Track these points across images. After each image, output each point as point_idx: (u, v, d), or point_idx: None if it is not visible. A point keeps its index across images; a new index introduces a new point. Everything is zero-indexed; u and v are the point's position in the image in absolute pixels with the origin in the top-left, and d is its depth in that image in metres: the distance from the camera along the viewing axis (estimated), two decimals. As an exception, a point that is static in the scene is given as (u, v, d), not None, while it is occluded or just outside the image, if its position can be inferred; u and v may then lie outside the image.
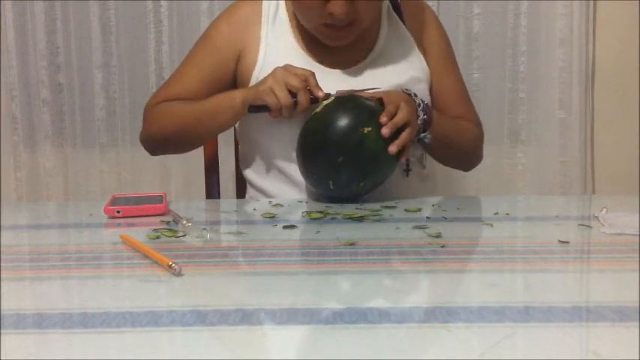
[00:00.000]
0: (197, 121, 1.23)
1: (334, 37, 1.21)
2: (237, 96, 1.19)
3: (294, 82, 1.11)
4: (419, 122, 1.16)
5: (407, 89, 1.19)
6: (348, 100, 1.12)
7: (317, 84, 1.13)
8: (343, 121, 1.08)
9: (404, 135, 1.09)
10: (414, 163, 1.25)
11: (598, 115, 2.00)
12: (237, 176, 1.44)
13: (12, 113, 2.00)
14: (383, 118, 1.08)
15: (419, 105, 1.17)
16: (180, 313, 0.60)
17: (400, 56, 1.28)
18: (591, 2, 1.94)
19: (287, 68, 1.14)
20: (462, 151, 1.35)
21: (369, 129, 1.07)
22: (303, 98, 1.11)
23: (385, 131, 1.07)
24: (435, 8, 1.90)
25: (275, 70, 1.14)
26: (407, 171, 1.22)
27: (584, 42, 1.93)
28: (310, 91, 1.13)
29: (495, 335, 0.54)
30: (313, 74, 1.14)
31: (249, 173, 1.33)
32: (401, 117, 1.09)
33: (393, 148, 1.08)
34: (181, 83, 1.30)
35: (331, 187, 1.09)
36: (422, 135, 1.17)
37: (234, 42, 1.27)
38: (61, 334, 0.56)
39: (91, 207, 1.12)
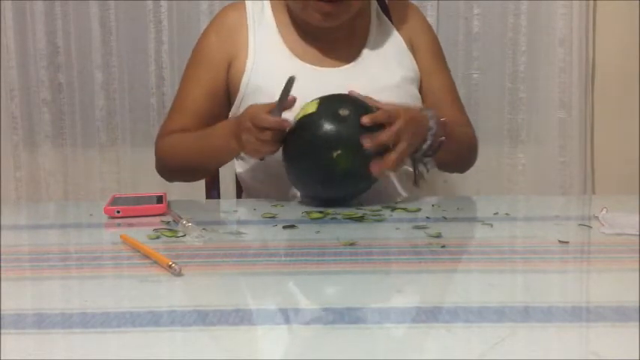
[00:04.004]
0: (200, 159, 1.24)
1: (325, 14, 1.18)
2: (232, 143, 1.12)
3: (265, 128, 1.04)
4: (425, 146, 1.09)
5: (425, 108, 1.15)
6: (318, 118, 1.05)
7: (278, 112, 1.04)
8: (313, 147, 1.04)
9: (389, 157, 1.03)
10: (421, 173, 1.24)
11: (598, 115, 2.00)
12: (237, 176, 1.44)
13: (12, 113, 2.00)
14: (366, 143, 1.01)
15: (430, 129, 1.10)
16: (180, 313, 0.60)
17: (391, 56, 1.28)
18: (591, 2, 1.94)
19: (247, 128, 1.06)
20: (465, 158, 1.35)
21: (339, 152, 1.02)
22: (281, 127, 1.04)
23: (367, 144, 1.01)
24: (435, 8, 1.91)
25: (242, 134, 1.07)
26: (416, 182, 1.20)
27: (584, 42, 1.93)
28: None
29: (495, 335, 0.54)
30: (272, 109, 1.05)
31: (242, 174, 1.33)
32: (388, 136, 1.02)
33: (374, 169, 1.03)
34: (185, 107, 1.29)
35: (310, 193, 1.11)
36: (425, 160, 1.13)
37: (224, 51, 1.27)
38: (61, 334, 0.56)
39: (91, 207, 1.12)
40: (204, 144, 1.21)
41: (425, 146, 1.10)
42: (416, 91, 1.29)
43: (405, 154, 1.05)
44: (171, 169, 1.30)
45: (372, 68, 1.26)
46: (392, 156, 1.03)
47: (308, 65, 1.24)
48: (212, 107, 1.27)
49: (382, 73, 1.26)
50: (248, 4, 1.29)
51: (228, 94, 1.29)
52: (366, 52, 1.28)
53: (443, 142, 1.11)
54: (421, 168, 1.18)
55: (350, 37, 1.27)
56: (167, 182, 1.35)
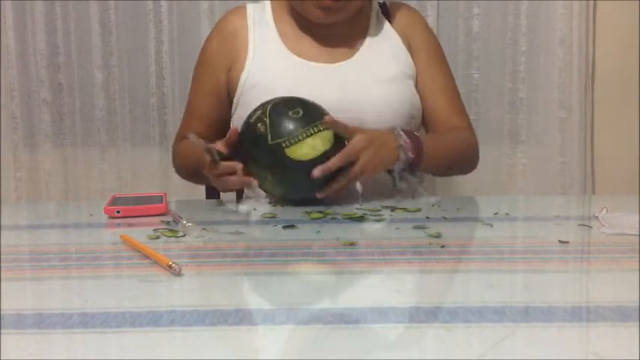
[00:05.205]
0: (194, 169, 1.22)
1: (325, 9, 1.20)
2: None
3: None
4: (400, 161, 1.11)
5: (394, 128, 1.15)
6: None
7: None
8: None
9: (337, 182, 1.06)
10: (399, 177, 1.22)
11: (598, 115, 2.00)
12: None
13: (12, 113, 2.00)
14: (316, 172, 1.04)
15: (400, 146, 1.11)
16: (180, 313, 0.60)
17: (387, 51, 1.30)
18: (591, 2, 1.94)
19: None
20: (459, 164, 1.32)
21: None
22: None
23: (316, 173, 1.03)
24: (435, 8, 1.91)
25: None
26: (394, 185, 1.19)
27: (584, 42, 1.93)
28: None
29: (495, 335, 0.54)
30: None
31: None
32: (337, 162, 1.05)
33: (320, 195, 1.06)
34: (192, 113, 1.36)
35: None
36: (404, 176, 1.13)
37: (225, 56, 1.30)
38: (61, 334, 0.56)
39: (91, 207, 1.12)
40: (193, 160, 1.21)
41: (399, 163, 1.11)
42: (412, 87, 1.29)
43: (365, 169, 1.07)
44: (181, 171, 1.39)
45: (369, 63, 1.28)
46: (354, 169, 1.06)
47: (305, 61, 1.26)
48: (216, 111, 1.32)
49: (378, 67, 1.27)
50: (249, 6, 1.33)
51: (230, 96, 1.31)
52: (363, 49, 1.29)
53: (413, 161, 1.12)
54: (401, 183, 1.15)
55: (348, 34, 1.29)
56: (167, 182, 1.37)
